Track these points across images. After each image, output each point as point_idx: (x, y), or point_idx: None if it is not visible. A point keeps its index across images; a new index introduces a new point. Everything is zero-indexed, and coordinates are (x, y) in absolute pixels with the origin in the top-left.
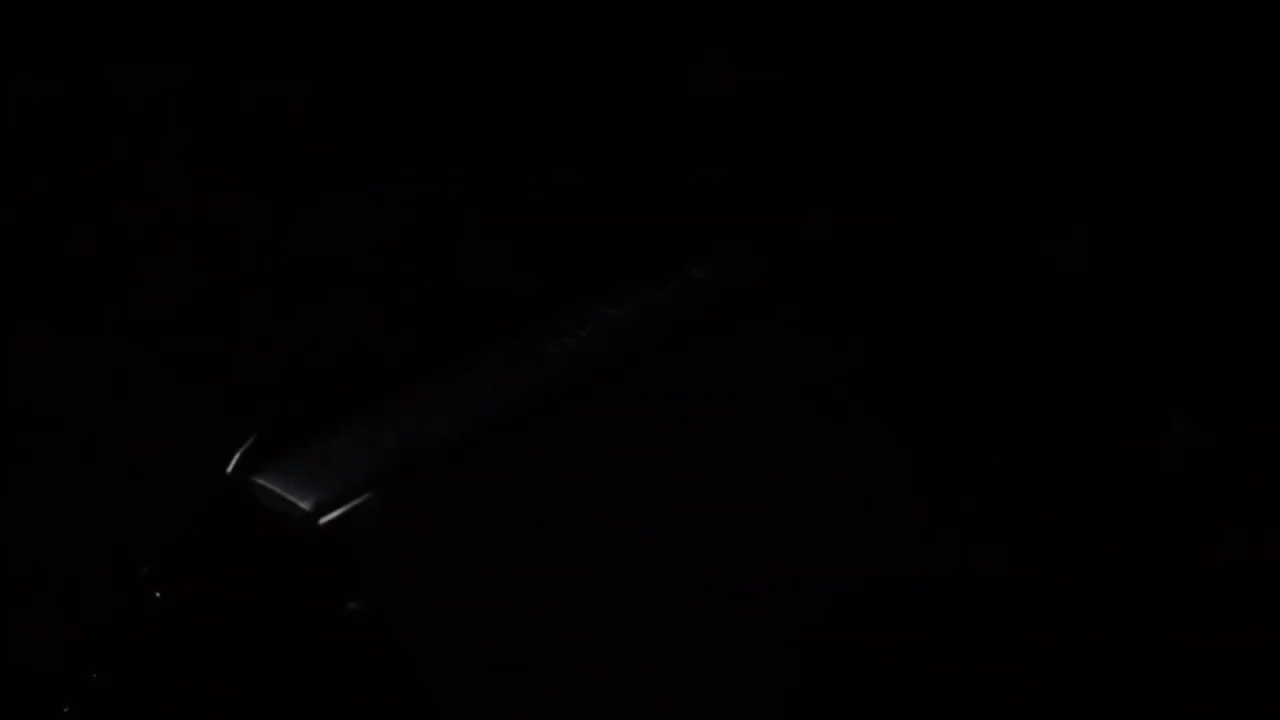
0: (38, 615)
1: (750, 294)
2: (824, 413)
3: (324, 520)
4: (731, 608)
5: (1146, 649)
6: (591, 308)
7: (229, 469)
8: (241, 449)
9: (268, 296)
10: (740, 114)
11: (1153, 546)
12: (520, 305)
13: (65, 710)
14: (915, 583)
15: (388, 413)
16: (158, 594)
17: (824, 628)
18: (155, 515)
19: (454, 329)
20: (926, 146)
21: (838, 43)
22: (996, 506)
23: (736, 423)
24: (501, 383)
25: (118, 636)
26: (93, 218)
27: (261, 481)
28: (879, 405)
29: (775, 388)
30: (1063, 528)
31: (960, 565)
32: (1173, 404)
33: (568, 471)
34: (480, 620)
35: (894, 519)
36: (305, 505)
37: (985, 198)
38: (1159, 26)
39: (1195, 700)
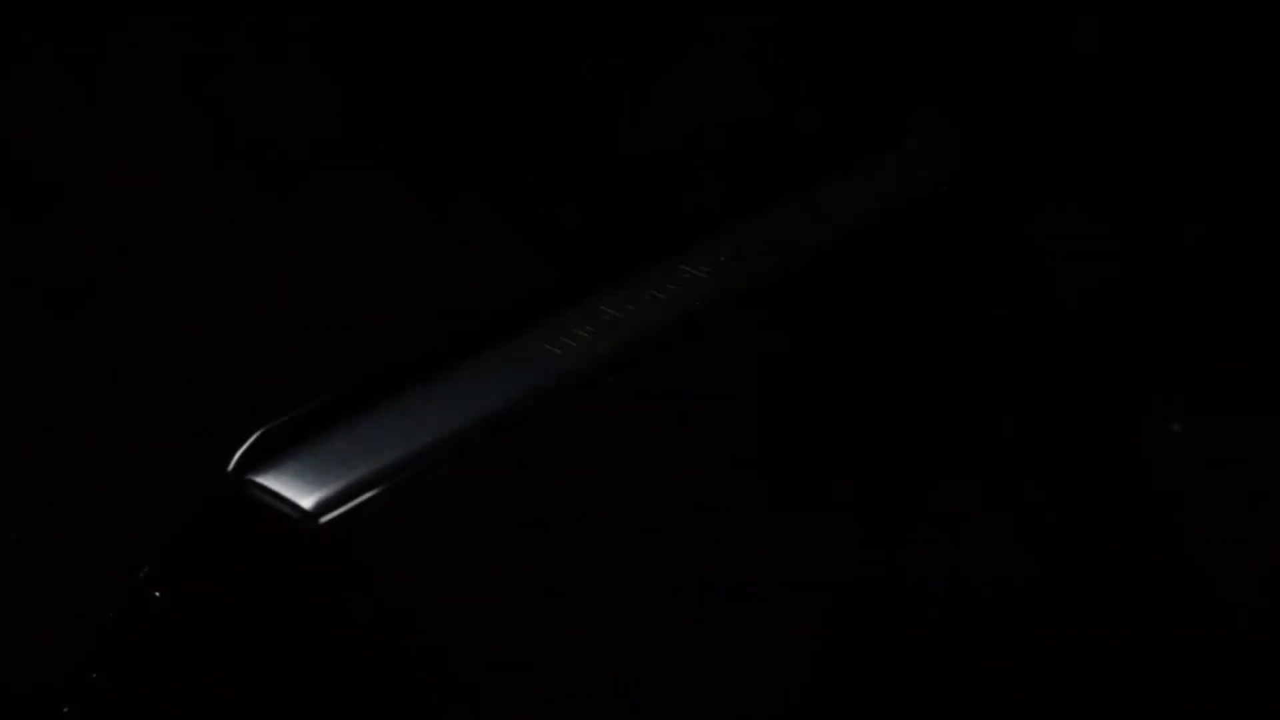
0: (37, 615)
1: (751, 293)
2: (823, 412)
3: (324, 519)
4: (732, 608)
5: (1146, 649)
6: (591, 308)
7: (229, 469)
8: (241, 449)
9: (268, 296)
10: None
11: (1151, 547)
12: (520, 305)
13: (65, 710)
14: (916, 583)
15: (388, 413)
16: (158, 594)
17: (826, 628)
18: (155, 515)
19: (454, 329)
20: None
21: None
22: (997, 507)
23: (737, 421)
24: (502, 382)
25: (118, 636)
26: (91, 212)
27: (261, 481)
28: (879, 404)
29: (776, 386)
30: (1063, 528)
31: (961, 565)
32: (1172, 406)
33: (568, 471)
34: (481, 619)
35: (895, 519)
36: (305, 505)
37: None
38: None
39: (1194, 700)
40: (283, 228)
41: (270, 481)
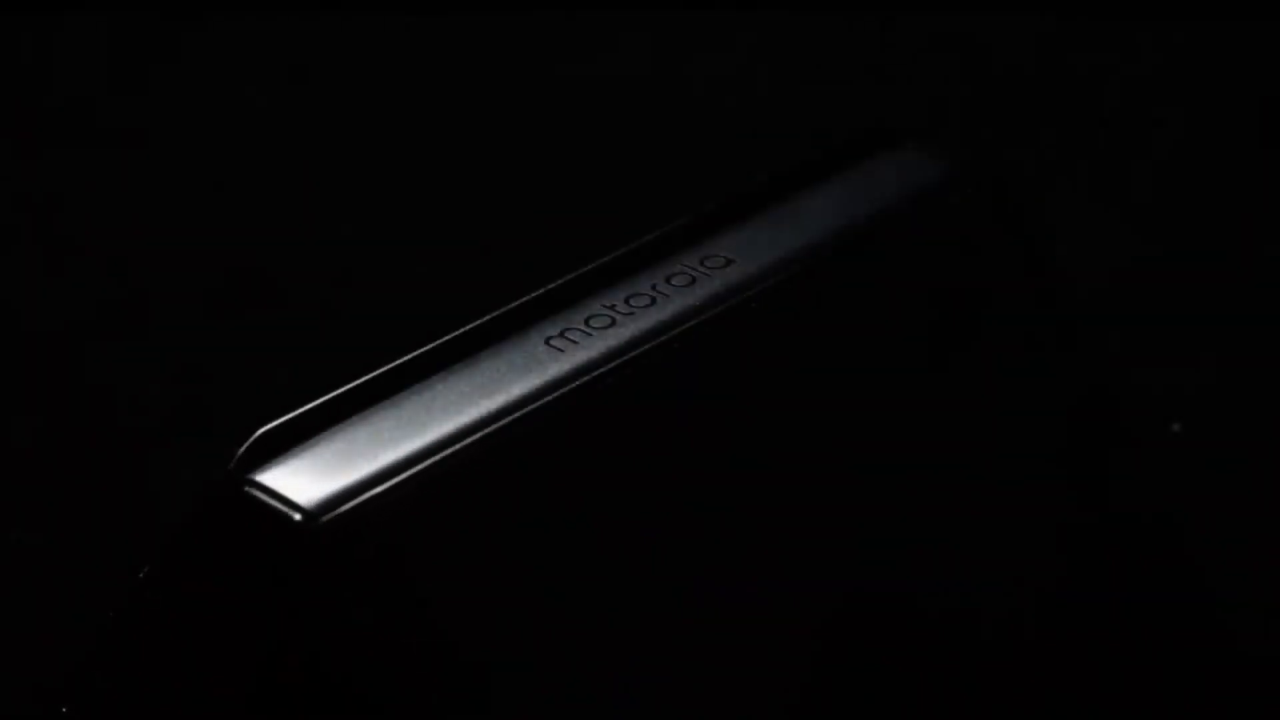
0: (37, 615)
1: (756, 292)
2: (826, 412)
3: (325, 519)
4: (741, 609)
5: (1146, 649)
6: (595, 306)
7: (229, 469)
8: (241, 449)
9: (266, 294)
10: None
11: (1151, 547)
12: (521, 304)
13: (65, 710)
14: (917, 584)
15: (388, 412)
16: (158, 594)
17: (828, 629)
18: (155, 515)
19: (455, 328)
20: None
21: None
22: (999, 508)
23: (741, 422)
24: (503, 381)
25: (118, 636)
26: (91, 209)
27: (261, 481)
28: (882, 404)
29: (779, 387)
30: (1063, 529)
31: (960, 566)
32: (1173, 406)
33: (570, 471)
34: (483, 620)
35: (896, 521)
36: (305, 505)
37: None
38: None
39: (1194, 700)
40: (282, 226)
41: (270, 481)
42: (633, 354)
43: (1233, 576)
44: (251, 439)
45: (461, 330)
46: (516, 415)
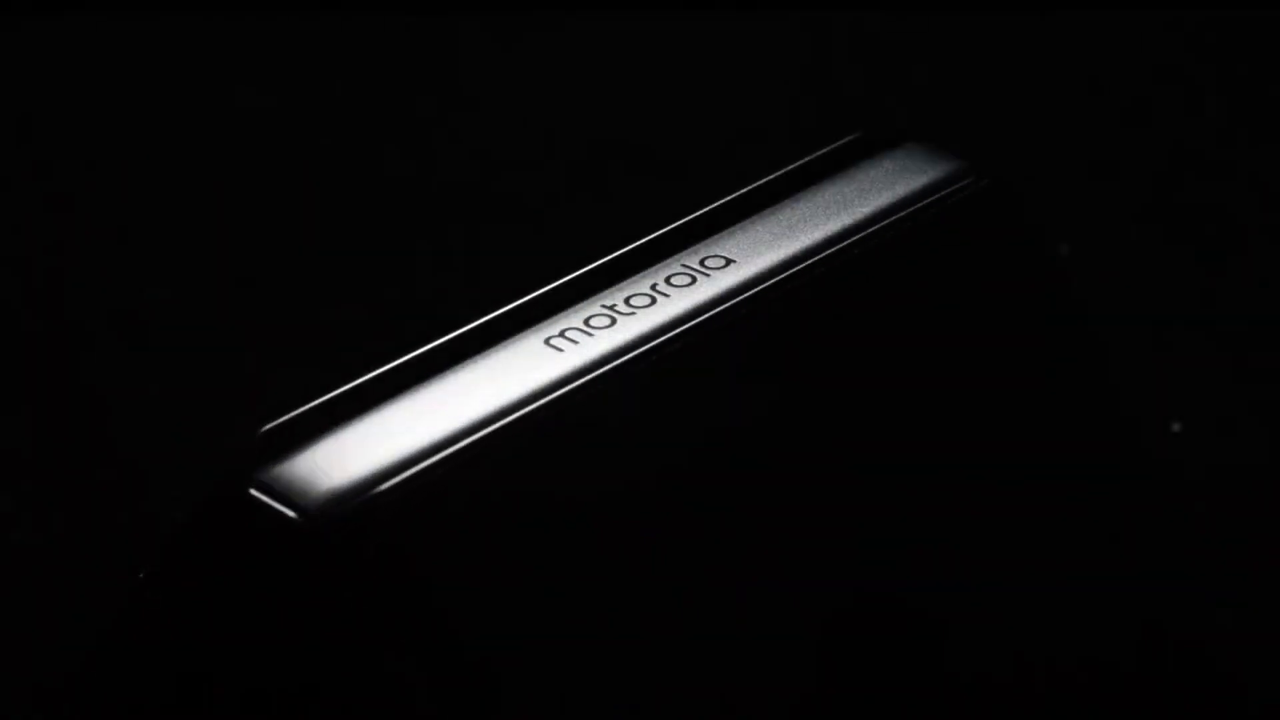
0: (37, 615)
1: (757, 293)
2: (827, 412)
3: (327, 519)
4: (745, 610)
5: (1146, 650)
6: (595, 306)
7: (230, 468)
8: (243, 448)
9: (266, 294)
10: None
11: (1151, 547)
12: (521, 304)
13: (65, 710)
14: (923, 586)
15: (390, 413)
16: (157, 594)
17: (834, 632)
18: (155, 515)
19: (457, 327)
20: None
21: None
22: (1000, 508)
23: (742, 422)
24: (503, 381)
25: (118, 637)
26: (91, 208)
27: (263, 481)
28: (883, 405)
29: (779, 388)
30: (1062, 529)
31: (961, 567)
32: (1173, 406)
33: (572, 471)
34: (485, 622)
35: (900, 522)
36: (307, 504)
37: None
38: None
39: (1194, 701)
40: (281, 226)
41: (271, 481)
42: (632, 354)
43: (1233, 576)
44: (253, 438)
45: (461, 330)
46: (517, 415)
